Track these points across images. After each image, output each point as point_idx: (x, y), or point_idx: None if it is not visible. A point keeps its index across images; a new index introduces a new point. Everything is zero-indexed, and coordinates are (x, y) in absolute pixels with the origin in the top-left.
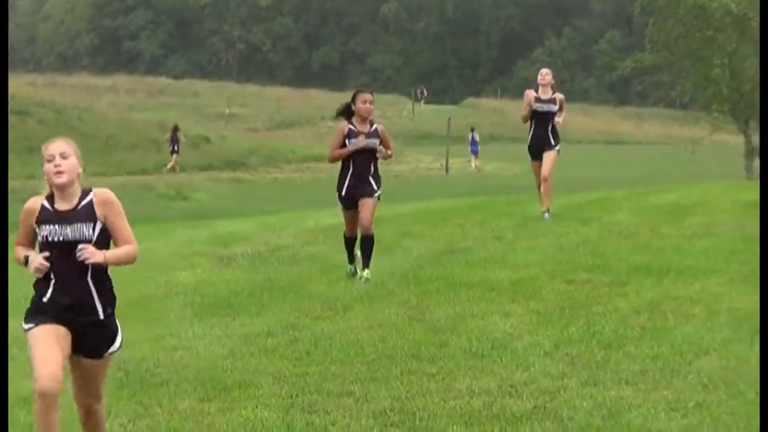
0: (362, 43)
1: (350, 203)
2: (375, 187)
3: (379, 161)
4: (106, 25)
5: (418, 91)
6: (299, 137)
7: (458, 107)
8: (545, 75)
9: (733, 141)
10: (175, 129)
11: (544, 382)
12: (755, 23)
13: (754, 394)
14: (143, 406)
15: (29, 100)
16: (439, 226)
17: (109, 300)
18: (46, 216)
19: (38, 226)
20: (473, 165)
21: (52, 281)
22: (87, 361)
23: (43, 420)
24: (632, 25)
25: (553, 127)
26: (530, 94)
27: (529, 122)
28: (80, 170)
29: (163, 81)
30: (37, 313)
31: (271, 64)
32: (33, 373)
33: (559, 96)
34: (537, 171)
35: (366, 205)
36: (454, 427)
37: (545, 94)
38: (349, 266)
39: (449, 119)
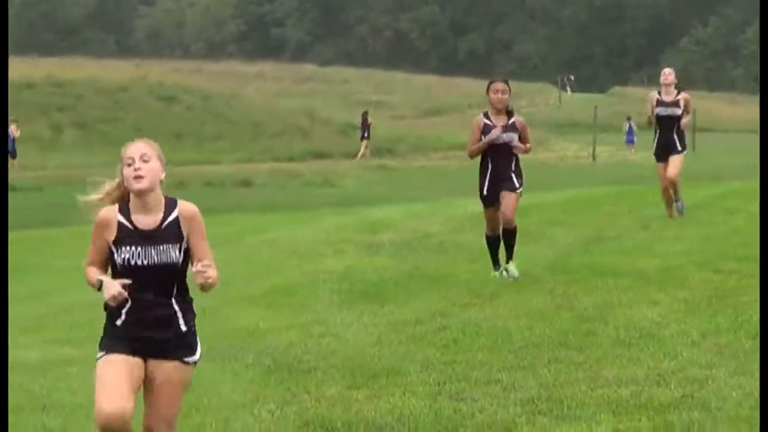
0: (508, 31)
1: (491, 200)
2: (516, 183)
3: (521, 155)
4: (253, 12)
5: (566, 79)
6: (446, 125)
7: (605, 95)
8: (668, 75)
9: None
10: (366, 114)
11: (692, 372)
12: None
13: None
14: (291, 392)
15: (176, 86)
16: (586, 215)
17: (191, 315)
18: (126, 234)
19: (116, 248)
20: (630, 153)
21: (129, 304)
22: (162, 368)
23: None
24: None
25: (679, 129)
26: (652, 97)
27: (654, 125)
28: (162, 176)
29: (310, 68)
30: (110, 339)
31: (419, 52)
32: (95, 405)
33: (684, 96)
34: (662, 174)
35: (507, 197)
36: (602, 415)
37: (668, 95)
38: (493, 272)
39: (596, 107)
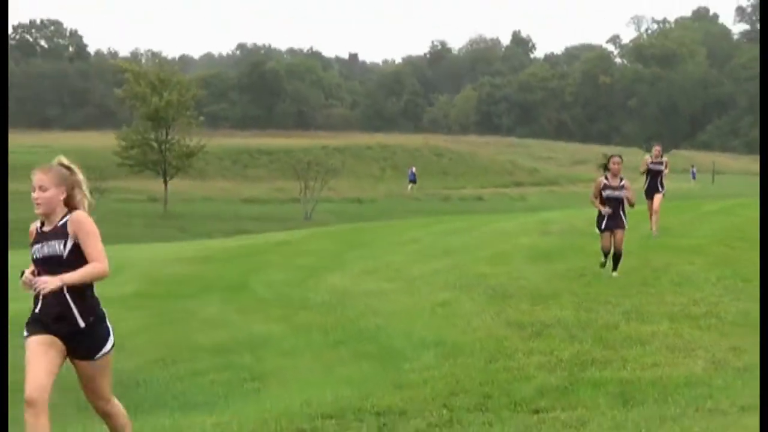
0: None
1: (605, 230)
2: (624, 222)
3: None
4: None
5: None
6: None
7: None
8: (657, 150)
9: None
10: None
11: (711, 299)
12: None
13: None
14: (501, 307)
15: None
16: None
17: (87, 310)
18: (36, 237)
19: (31, 247)
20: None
21: (40, 294)
22: (81, 364)
23: (32, 424)
24: None
25: (661, 179)
26: (647, 159)
27: (645, 175)
28: (62, 197)
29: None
30: (31, 323)
31: None
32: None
33: (665, 160)
34: (650, 206)
35: (618, 234)
36: (663, 321)
37: (657, 159)
38: (603, 259)
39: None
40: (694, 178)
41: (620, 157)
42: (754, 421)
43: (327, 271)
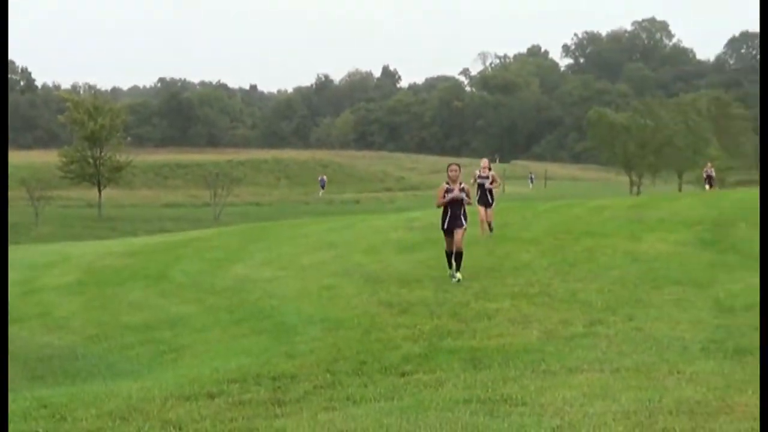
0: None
1: (448, 231)
2: (464, 222)
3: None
4: None
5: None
6: None
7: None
8: (484, 166)
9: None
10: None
11: (543, 280)
12: (633, 129)
13: None
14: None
15: None
16: (510, 214)
17: None
18: None
19: None
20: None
21: None
22: None
23: None
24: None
25: (491, 191)
26: (476, 173)
27: (476, 188)
28: None
29: None
30: None
31: None
32: None
33: (492, 173)
34: (482, 214)
35: (458, 233)
36: (506, 298)
37: (484, 173)
38: (450, 270)
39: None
40: (531, 182)
41: (458, 165)
42: (578, 379)
43: (232, 262)
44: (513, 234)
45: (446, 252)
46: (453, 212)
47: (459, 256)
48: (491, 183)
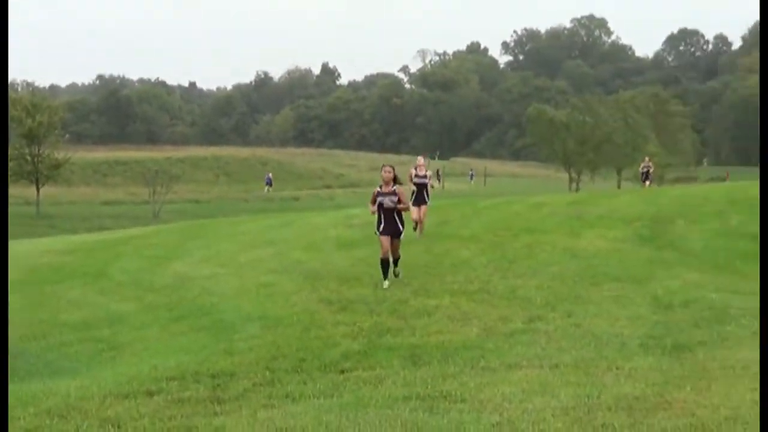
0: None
1: (383, 234)
2: (400, 228)
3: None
4: None
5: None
6: None
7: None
8: (421, 164)
9: (562, 176)
10: None
11: (483, 276)
12: (573, 125)
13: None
14: (314, 287)
15: None
16: (439, 212)
17: None
18: None
19: None
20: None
21: None
22: None
23: None
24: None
25: (426, 190)
26: (411, 172)
27: (413, 187)
28: None
29: None
30: None
31: None
32: None
33: (429, 173)
34: (417, 213)
35: (394, 242)
36: (445, 295)
37: (420, 171)
38: (385, 282)
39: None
40: (472, 179)
41: (391, 166)
42: (518, 375)
43: (171, 260)
44: (452, 231)
45: (380, 259)
46: (387, 218)
47: (396, 259)
48: (429, 181)
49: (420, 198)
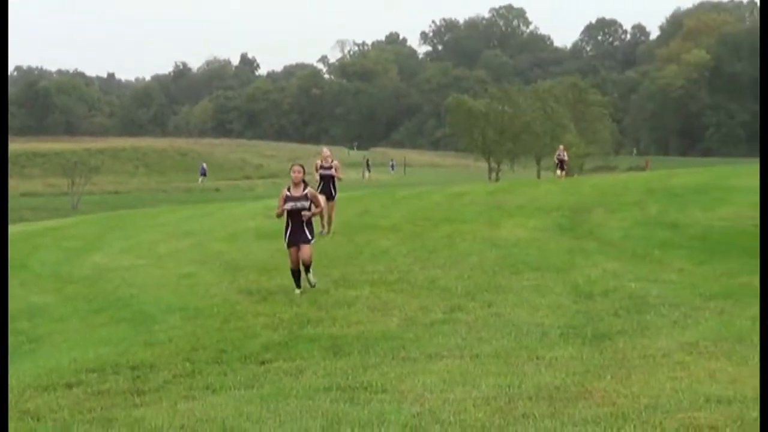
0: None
1: (291, 245)
2: (309, 236)
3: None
4: None
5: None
6: None
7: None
8: (326, 153)
9: (482, 165)
10: None
11: (403, 267)
12: (492, 115)
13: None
14: (234, 278)
15: None
16: (361, 201)
17: None
18: None
19: None
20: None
21: None
22: None
23: None
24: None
25: (333, 183)
26: (317, 163)
27: (319, 179)
28: None
29: None
30: None
31: None
32: None
33: (335, 164)
34: (326, 208)
35: (304, 249)
36: (365, 286)
37: (326, 162)
38: (297, 290)
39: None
40: (392, 169)
41: (301, 166)
42: (438, 366)
43: (90, 251)
44: (372, 221)
45: (291, 270)
46: (295, 224)
47: (308, 266)
48: (336, 173)
49: (326, 191)
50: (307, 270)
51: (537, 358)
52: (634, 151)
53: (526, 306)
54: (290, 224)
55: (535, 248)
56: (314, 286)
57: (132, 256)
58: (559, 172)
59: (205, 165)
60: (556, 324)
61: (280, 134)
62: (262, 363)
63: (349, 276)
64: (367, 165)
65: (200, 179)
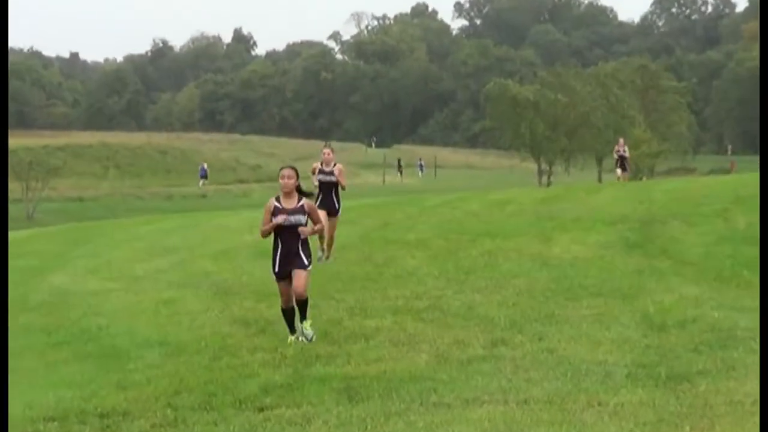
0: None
1: (283, 276)
2: (305, 261)
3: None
4: None
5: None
6: None
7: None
8: (327, 153)
9: (530, 166)
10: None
11: (434, 292)
12: (542, 104)
13: None
14: (226, 304)
15: None
16: (380, 210)
17: None
18: None
19: None
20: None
21: None
22: None
23: None
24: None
25: (336, 192)
26: (315, 166)
27: (318, 188)
28: None
29: None
30: None
31: None
32: None
33: (338, 167)
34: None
35: (298, 276)
36: (387, 315)
37: (327, 166)
38: (290, 337)
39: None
40: (421, 171)
41: (293, 169)
42: (477, 413)
43: (49, 271)
44: (395, 235)
45: (282, 309)
46: (287, 246)
47: (303, 304)
48: (339, 179)
49: (327, 204)
50: (302, 313)
51: (599, 404)
52: (729, 150)
53: (585, 340)
54: (281, 246)
55: (596, 269)
56: (311, 341)
57: (101, 277)
58: (619, 171)
59: (205, 165)
60: (622, 362)
61: (282, 128)
62: (261, 410)
63: (367, 302)
64: (399, 166)
65: (201, 182)
